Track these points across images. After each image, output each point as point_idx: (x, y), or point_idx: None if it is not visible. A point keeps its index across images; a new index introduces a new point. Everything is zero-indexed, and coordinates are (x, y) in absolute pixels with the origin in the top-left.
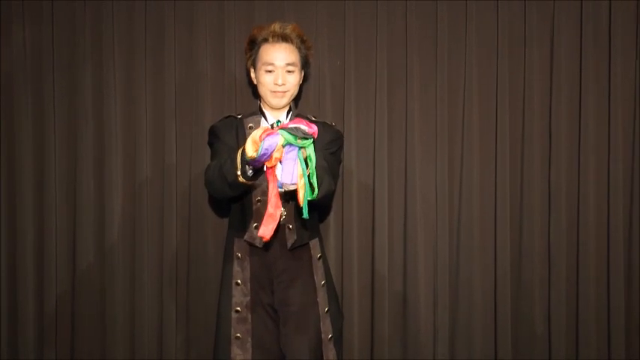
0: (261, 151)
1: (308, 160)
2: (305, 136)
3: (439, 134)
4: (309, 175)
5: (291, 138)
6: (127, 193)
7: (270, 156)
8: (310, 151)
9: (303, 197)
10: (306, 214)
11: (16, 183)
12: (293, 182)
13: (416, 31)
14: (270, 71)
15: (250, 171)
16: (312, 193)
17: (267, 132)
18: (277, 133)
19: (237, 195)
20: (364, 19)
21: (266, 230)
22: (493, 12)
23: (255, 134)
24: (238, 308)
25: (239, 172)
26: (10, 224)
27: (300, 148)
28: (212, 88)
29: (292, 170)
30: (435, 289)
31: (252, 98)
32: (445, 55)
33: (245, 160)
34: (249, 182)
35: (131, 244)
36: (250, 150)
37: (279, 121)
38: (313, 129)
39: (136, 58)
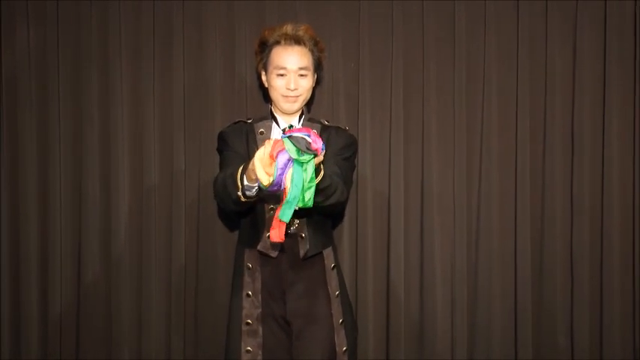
0: (276, 176)
1: (303, 172)
2: (308, 151)
3: (457, 140)
4: (302, 188)
5: (292, 150)
6: (134, 200)
7: (283, 179)
8: (309, 168)
9: (285, 206)
10: (287, 218)
11: (20, 189)
12: (279, 187)
13: (433, 32)
14: (281, 75)
15: (254, 189)
16: (301, 202)
17: (277, 148)
18: (286, 150)
19: (246, 209)
20: (379, 20)
21: (274, 233)
22: (513, 12)
23: (262, 153)
24: (249, 320)
25: (240, 193)
26: (13, 232)
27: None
28: (222, 91)
29: (282, 176)
30: (453, 301)
31: (263, 102)
32: (463, 57)
33: (260, 189)
34: (253, 199)
35: (138, 253)
36: (263, 174)
37: (291, 126)
38: (318, 145)
39: (144, 60)
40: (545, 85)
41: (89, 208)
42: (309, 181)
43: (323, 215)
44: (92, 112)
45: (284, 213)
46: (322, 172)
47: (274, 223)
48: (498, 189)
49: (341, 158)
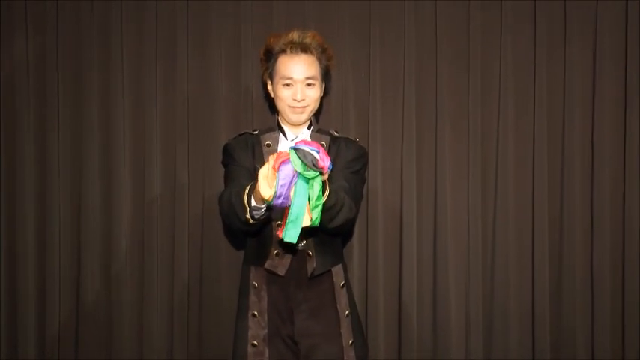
0: (277, 188)
1: (309, 189)
2: (313, 167)
3: (472, 151)
4: (307, 206)
5: (298, 164)
6: (135, 215)
7: (289, 194)
8: (316, 185)
9: (290, 223)
10: (293, 239)
11: (17, 201)
12: (284, 201)
13: (447, 36)
14: (288, 85)
15: (261, 210)
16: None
17: (280, 159)
18: (289, 161)
19: (256, 230)
20: (391, 25)
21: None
22: (530, 12)
23: (266, 170)
24: (255, 342)
25: (248, 216)
26: (9, 246)
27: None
28: (227, 101)
29: (286, 189)
30: (468, 319)
31: (270, 113)
32: (478, 63)
33: (266, 205)
34: (262, 220)
35: (139, 270)
36: (265, 188)
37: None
38: (325, 164)
39: (146, 67)
40: (564, 91)
41: (88, 222)
42: (316, 199)
43: (332, 234)
44: (92, 121)
45: (288, 233)
46: (328, 190)
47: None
48: (515, 201)
49: (350, 172)
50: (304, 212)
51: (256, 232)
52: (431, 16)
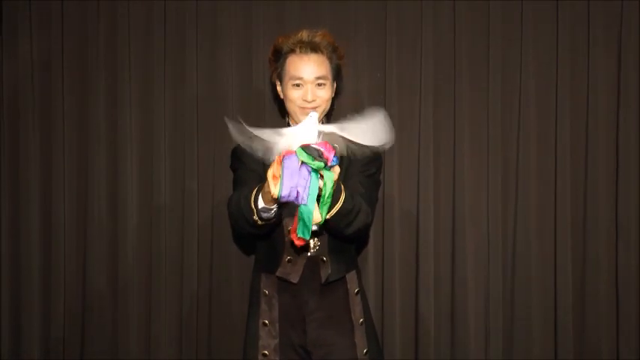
0: (282, 179)
1: (317, 179)
2: (319, 158)
3: (492, 155)
4: (318, 200)
5: (304, 155)
6: (143, 221)
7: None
8: (327, 177)
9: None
10: (306, 235)
11: (21, 208)
12: (290, 198)
13: (466, 36)
14: (297, 85)
15: (271, 212)
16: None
17: (285, 153)
18: (295, 154)
19: (265, 233)
20: (407, 24)
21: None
22: (553, 12)
23: (271, 169)
24: (265, 352)
25: (256, 217)
26: (13, 255)
27: (316, 170)
28: (238, 103)
29: (293, 182)
30: (487, 330)
31: (283, 114)
32: (499, 63)
33: (276, 204)
34: (272, 221)
35: (147, 277)
36: (272, 185)
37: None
38: (329, 155)
39: (154, 69)
40: (588, 94)
41: (94, 229)
42: (327, 196)
43: (347, 241)
44: (99, 125)
45: (300, 229)
46: (344, 194)
47: (292, 235)
48: (536, 207)
49: (365, 175)
50: (314, 207)
51: (266, 236)
52: (449, 16)
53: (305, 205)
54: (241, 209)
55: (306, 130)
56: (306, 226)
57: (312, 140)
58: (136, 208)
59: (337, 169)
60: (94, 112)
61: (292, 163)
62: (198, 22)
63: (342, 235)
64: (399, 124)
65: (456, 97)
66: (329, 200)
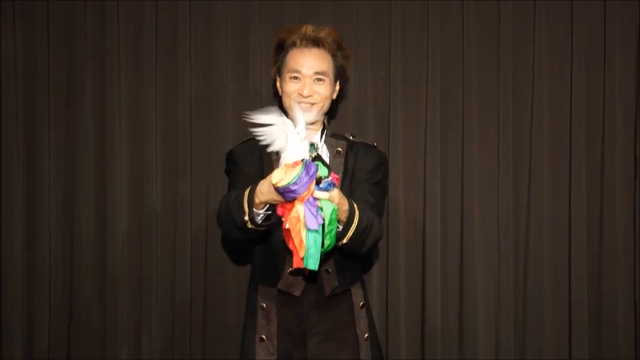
0: (299, 176)
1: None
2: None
3: (502, 159)
4: (323, 226)
5: (324, 170)
6: (133, 230)
7: (309, 187)
8: (326, 207)
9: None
10: (315, 266)
11: (3, 215)
12: (319, 223)
13: (474, 35)
14: (295, 78)
15: (261, 215)
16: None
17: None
18: (317, 165)
19: (253, 240)
20: (413, 24)
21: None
22: (567, 13)
23: (278, 177)
24: None
25: (247, 218)
26: None
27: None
28: (234, 103)
29: (316, 213)
30: (498, 345)
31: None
32: (509, 64)
33: (269, 218)
34: (262, 228)
35: (136, 289)
36: (279, 176)
37: (312, 144)
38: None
39: (145, 68)
40: (604, 97)
41: (81, 238)
42: (329, 224)
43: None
44: (86, 127)
45: (309, 261)
46: (358, 213)
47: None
48: (550, 213)
49: (372, 182)
50: (321, 236)
51: (264, 246)
52: (457, 12)
53: (316, 231)
54: (231, 211)
55: (297, 146)
56: (314, 256)
57: (304, 155)
58: (126, 214)
59: (335, 196)
60: (81, 112)
61: (313, 167)
62: (191, 19)
63: (357, 254)
64: (404, 126)
65: (465, 97)
66: (331, 227)
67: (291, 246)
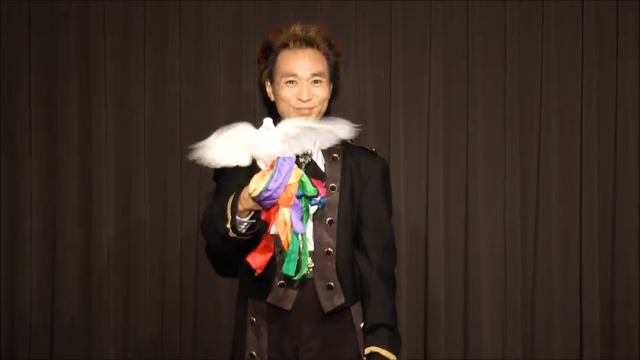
0: (272, 178)
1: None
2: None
3: (509, 166)
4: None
5: (308, 183)
6: (119, 242)
7: (285, 187)
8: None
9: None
10: (293, 272)
11: None
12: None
13: (480, 31)
14: (291, 83)
15: (245, 224)
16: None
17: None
18: (293, 158)
19: (235, 248)
20: (414, 22)
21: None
22: (577, 12)
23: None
24: None
25: (229, 226)
26: None
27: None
28: (225, 107)
29: (281, 185)
30: None
31: (277, 121)
32: (516, 65)
33: (252, 227)
34: (245, 237)
35: (123, 303)
36: (256, 183)
37: (305, 154)
38: (321, 195)
39: (132, 67)
40: (616, 100)
41: (65, 248)
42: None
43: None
44: (70, 130)
45: (285, 265)
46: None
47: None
48: (559, 226)
49: (383, 194)
50: (299, 241)
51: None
52: (462, 10)
53: (297, 236)
54: (213, 218)
55: (266, 139)
56: (293, 261)
57: (277, 148)
58: (112, 224)
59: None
60: (64, 115)
61: (286, 164)
62: (181, 19)
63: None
64: (405, 129)
65: (469, 100)
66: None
67: (250, 255)
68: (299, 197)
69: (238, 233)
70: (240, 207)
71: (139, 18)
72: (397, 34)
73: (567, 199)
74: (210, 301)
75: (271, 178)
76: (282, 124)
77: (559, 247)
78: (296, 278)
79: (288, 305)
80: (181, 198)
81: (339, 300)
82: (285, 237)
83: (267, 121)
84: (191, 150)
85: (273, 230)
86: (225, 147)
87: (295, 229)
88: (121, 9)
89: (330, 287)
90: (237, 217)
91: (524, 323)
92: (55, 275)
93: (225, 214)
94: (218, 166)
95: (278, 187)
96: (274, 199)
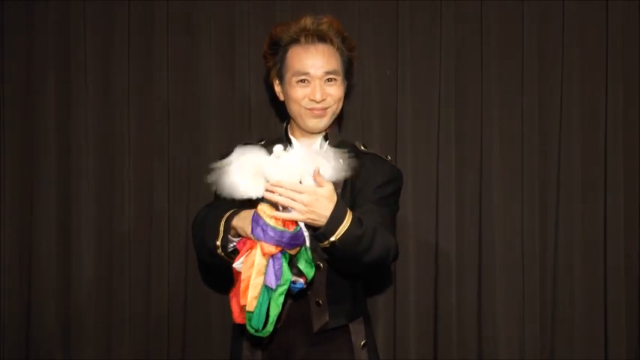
0: (282, 232)
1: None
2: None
3: (526, 172)
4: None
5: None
6: (102, 250)
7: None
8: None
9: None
10: (260, 326)
11: None
12: (277, 283)
13: (494, 28)
14: (303, 82)
15: (234, 244)
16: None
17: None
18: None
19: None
20: (423, 18)
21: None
22: (601, 12)
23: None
24: None
25: (219, 243)
26: None
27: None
28: (217, 109)
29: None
30: None
31: (273, 122)
32: (535, 66)
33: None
34: (230, 259)
35: (106, 318)
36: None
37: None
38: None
39: (115, 67)
40: None
41: (42, 260)
42: (282, 284)
43: (353, 276)
44: (48, 135)
45: (255, 319)
46: (349, 212)
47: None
48: (582, 238)
49: (379, 200)
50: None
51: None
52: (474, 6)
53: (271, 289)
54: (204, 229)
55: (279, 169)
56: (259, 315)
57: (290, 177)
58: (93, 234)
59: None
60: (42, 121)
61: (299, 240)
62: (169, 17)
63: (355, 271)
64: (413, 132)
65: (484, 100)
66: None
67: (232, 293)
68: (283, 254)
69: (226, 252)
70: (234, 222)
71: (124, 18)
72: (404, 29)
73: (590, 207)
74: (201, 320)
75: (283, 232)
76: (290, 155)
77: (581, 259)
78: (262, 335)
79: (279, 323)
80: (169, 206)
81: (324, 319)
82: (246, 277)
83: (277, 149)
84: (211, 170)
85: (237, 264)
86: (240, 177)
87: (267, 282)
88: (103, 9)
89: (318, 304)
90: (228, 236)
91: (544, 340)
92: (30, 290)
93: (217, 230)
94: (232, 197)
95: (281, 242)
96: (265, 240)
